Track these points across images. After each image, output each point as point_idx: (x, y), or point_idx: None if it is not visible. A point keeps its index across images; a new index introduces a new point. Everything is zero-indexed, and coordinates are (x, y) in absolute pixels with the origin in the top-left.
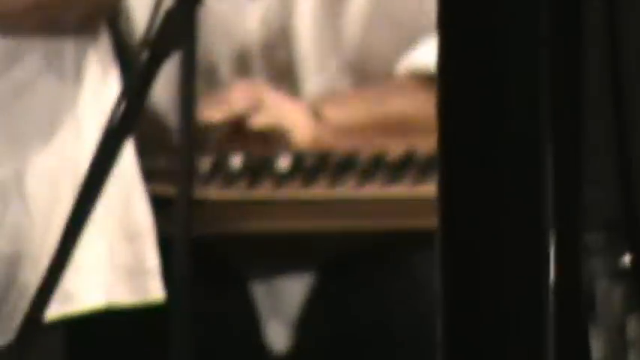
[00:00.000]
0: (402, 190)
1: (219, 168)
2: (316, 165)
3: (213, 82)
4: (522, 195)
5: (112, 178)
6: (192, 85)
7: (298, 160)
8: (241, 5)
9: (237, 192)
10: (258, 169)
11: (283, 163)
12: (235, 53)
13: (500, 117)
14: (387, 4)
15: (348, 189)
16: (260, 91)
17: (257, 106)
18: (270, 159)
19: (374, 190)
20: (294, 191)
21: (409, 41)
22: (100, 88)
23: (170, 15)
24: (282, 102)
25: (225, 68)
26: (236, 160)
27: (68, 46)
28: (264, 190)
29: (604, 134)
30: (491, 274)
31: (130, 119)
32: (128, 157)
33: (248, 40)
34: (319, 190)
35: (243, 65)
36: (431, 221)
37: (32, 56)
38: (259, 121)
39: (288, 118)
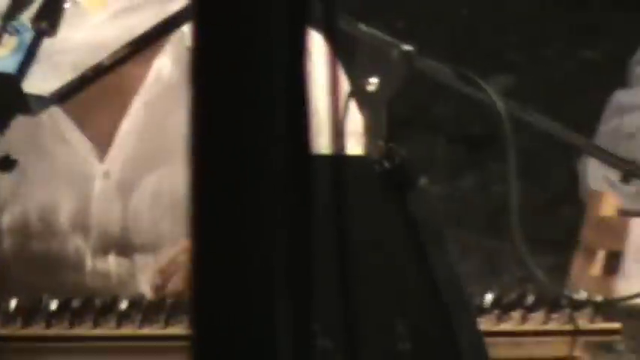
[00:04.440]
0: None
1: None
2: (82, 307)
3: None
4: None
5: None
6: None
7: (66, 302)
8: None
9: (12, 330)
10: (30, 310)
11: (52, 305)
12: None
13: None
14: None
15: (109, 329)
16: None
17: None
18: (42, 301)
19: (131, 330)
20: (62, 330)
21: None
22: None
23: None
24: None
25: None
26: (12, 302)
27: None
28: (36, 329)
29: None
30: None
31: None
32: None
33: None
34: (83, 330)
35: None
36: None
37: None
38: None
39: None
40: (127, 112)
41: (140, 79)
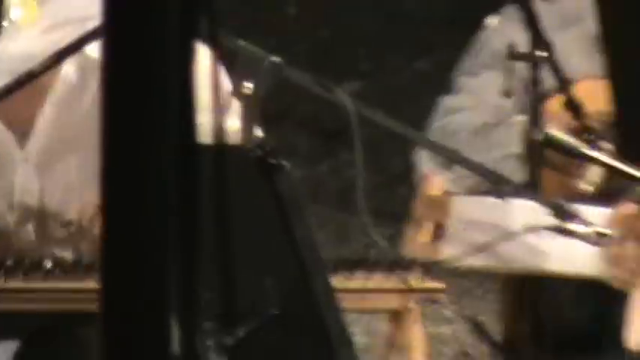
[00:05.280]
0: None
1: None
2: (34, 264)
3: None
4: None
5: None
6: None
7: (19, 259)
8: None
9: None
10: None
11: (9, 261)
12: None
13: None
14: None
15: (40, 282)
16: None
17: None
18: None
19: (54, 284)
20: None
21: None
22: None
23: None
24: None
25: None
26: None
27: None
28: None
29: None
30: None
31: None
32: None
33: None
34: (15, 284)
35: None
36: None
37: None
38: None
39: None
40: (40, 110)
41: (50, 82)
